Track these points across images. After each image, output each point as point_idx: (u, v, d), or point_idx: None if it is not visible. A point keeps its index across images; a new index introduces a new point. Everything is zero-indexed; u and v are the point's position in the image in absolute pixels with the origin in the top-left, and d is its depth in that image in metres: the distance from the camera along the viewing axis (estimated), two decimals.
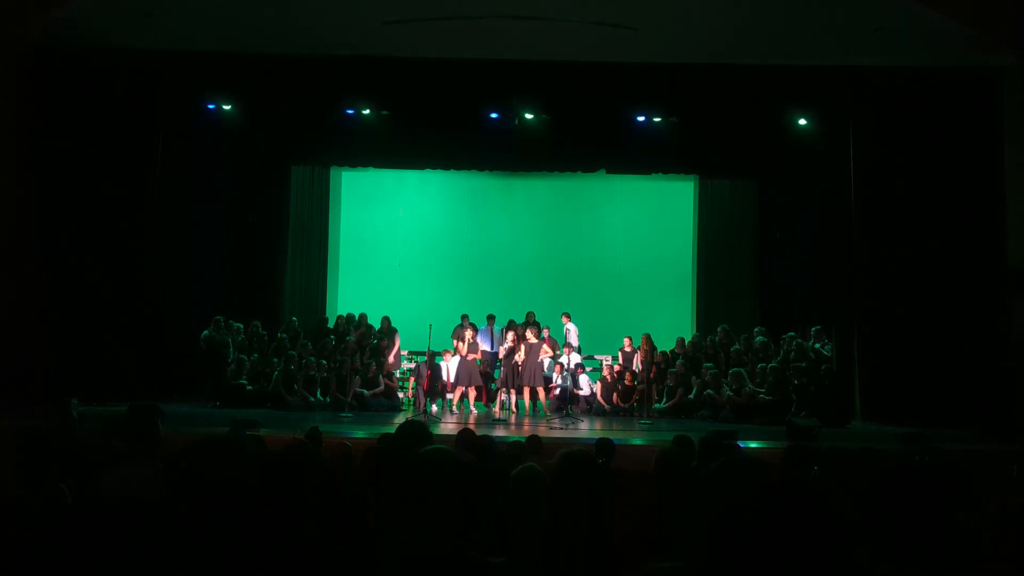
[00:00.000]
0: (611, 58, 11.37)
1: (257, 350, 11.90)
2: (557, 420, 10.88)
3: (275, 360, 11.59)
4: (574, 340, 12.28)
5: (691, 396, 11.56)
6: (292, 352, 11.54)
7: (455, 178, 14.74)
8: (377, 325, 12.58)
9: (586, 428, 10.28)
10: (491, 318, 12.59)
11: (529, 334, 11.51)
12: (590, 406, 11.83)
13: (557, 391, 11.70)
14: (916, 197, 11.25)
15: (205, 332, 11.59)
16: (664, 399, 11.76)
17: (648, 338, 12.28)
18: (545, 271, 14.69)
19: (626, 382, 11.82)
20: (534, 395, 11.48)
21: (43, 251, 11.15)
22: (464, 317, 12.30)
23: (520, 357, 11.45)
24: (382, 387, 11.59)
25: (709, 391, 11.34)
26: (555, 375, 11.76)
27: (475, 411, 11.38)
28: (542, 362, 11.56)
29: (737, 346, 12.13)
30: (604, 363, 12.46)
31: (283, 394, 11.09)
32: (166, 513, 3.34)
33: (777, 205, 13.46)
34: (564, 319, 12.45)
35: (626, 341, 12.45)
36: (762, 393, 11.20)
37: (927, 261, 11.15)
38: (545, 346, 11.68)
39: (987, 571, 3.22)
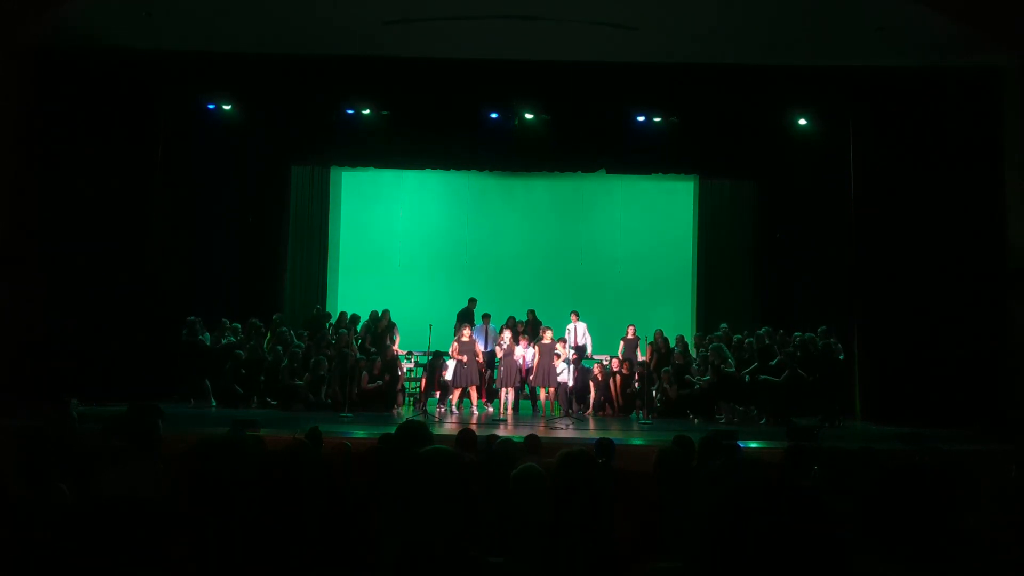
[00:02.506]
0: (611, 58, 11.35)
1: (256, 350, 11.85)
2: (557, 420, 10.86)
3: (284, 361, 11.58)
4: (579, 339, 12.23)
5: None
6: (300, 344, 11.50)
7: (455, 178, 14.74)
8: None
9: (585, 428, 10.27)
10: (486, 317, 12.55)
11: (546, 335, 11.51)
12: (589, 405, 11.79)
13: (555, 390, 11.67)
14: (916, 197, 11.23)
15: (183, 332, 11.55)
16: (658, 398, 11.72)
17: (660, 334, 12.21)
18: (545, 271, 14.68)
19: (619, 381, 11.76)
20: (547, 394, 11.48)
21: (43, 251, 11.13)
22: (481, 309, 12.71)
23: (536, 357, 11.45)
24: (383, 384, 11.54)
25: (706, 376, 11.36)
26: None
27: (476, 411, 11.38)
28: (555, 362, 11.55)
29: (739, 336, 12.08)
30: (602, 362, 12.41)
31: (290, 384, 11.07)
32: (166, 513, 3.35)
33: (777, 205, 13.46)
34: (572, 317, 12.40)
35: (630, 330, 12.30)
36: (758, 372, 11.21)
37: (927, 261, 11.12)
38: (559, 347, 11.65)
39: (987, 571, 3.22)
